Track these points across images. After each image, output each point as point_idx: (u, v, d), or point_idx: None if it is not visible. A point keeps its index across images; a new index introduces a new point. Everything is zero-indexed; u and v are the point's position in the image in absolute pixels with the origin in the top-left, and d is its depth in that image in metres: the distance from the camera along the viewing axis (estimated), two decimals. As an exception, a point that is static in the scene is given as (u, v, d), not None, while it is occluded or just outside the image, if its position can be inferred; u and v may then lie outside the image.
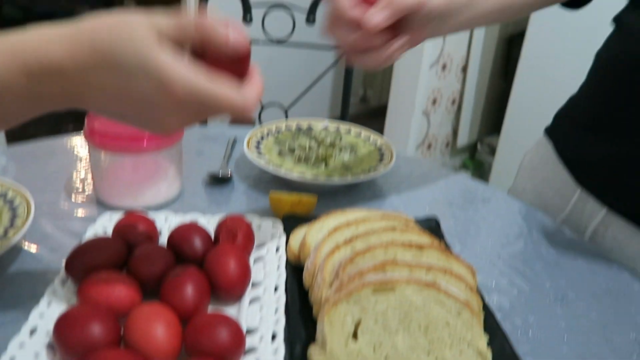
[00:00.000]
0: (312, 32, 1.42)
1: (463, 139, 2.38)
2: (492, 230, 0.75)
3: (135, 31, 0.36)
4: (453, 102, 2.27)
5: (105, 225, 0.63)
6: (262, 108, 1.51)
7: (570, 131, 0.79)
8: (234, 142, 0.94)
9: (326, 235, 0.56)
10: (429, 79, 2.07)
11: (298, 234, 0.62)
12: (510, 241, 0.72)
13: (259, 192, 0.79)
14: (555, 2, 0.70)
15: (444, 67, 2.10)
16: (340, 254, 0.52)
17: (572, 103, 0.82)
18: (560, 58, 1.79)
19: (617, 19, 0.75)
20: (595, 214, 0.74)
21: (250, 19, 1.33)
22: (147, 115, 0.39)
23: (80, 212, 0.70)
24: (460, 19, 0.60)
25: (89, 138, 0.68)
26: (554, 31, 1.80)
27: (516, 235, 0.74)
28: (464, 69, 2.21)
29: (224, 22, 0.37)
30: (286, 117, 1.51)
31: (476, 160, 2.48)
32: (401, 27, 0.56)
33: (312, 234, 0.59)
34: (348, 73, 1.45)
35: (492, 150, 2.41)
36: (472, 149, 2.51)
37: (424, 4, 0.54)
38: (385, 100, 3.56)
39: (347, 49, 0.57)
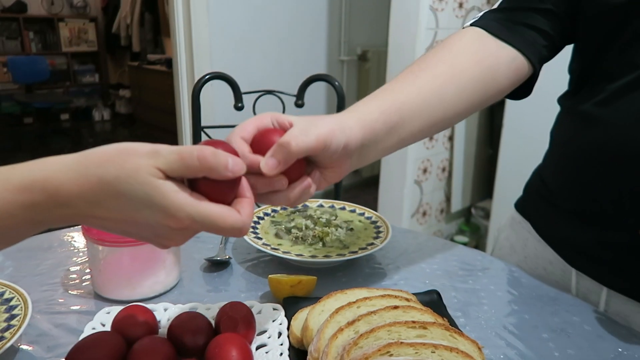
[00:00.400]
0: (301, 114, 1.48)
1: (457, 205, 2.41)
2: (495, 300, 0.74)
3: (140, 165, 0.38)
4: (443, 169, 2.32)
5: (103, 320, 0.62)
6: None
7: (550, 213, 0.76)
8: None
9: (328, 318, 0.55)
10: (418, 149, 2.12)
11: (300, 317, 0.61)
12: (515, 310, 0.71)
13: (258, 275, 0.78)
14: (488, 104, 0.67)
15: (430, 137, 2.17)
16: (344, 337, 0.51)
17: (542, 179, 0.80)
18: (541, 118, 1.86)
19: (562, 102, 0.74)
20: (599, 295, 0.71)
21: (242, 106, 1.39)
22: (151, 235, 0.41)
23: (78, 307, 0.69)
24: (385, 145, 0.57)
25: (86, 232, 0.68)
26: (532, 96, 1.89)
27: (520, 304, 0.73)
28: (451, 138, 2.28)
29: (222, 150, 0.40)
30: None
31: (472, 224, 2.49)
32: (315, 163, 0.52)
33: (314, 317, 0.58)
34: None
35: (487, 214, 2.42)
36: (466, 213, 2.53)
37: (326, 144, 0.48)
38: (377, 171, 3.63)
39: (253, 192, 0.48)
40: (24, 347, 0.60)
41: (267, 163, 0.46)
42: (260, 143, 0.49)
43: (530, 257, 0.82)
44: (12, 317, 0.59)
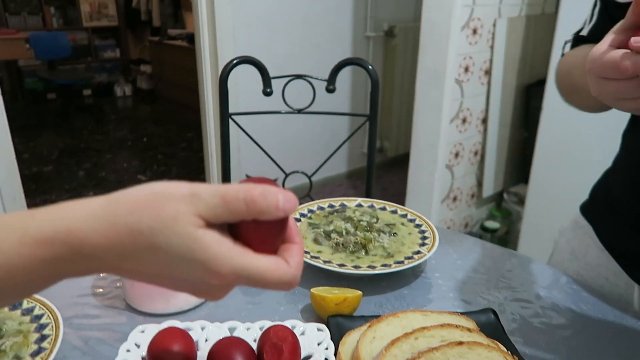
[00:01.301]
0: (332, 99, 1.41)
1: (489, 190, 2.33)
2: (553, 318, 0.68)
3: (178, 214, 0.32)
4: (475, 153, 2.23)
5: (137, 340, 0.58)
6: (286, 176, 1.48)
7: (615, 223, 0.72)
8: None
9: (383, 351, 0.50)
10: (450, 133, 2.04)
11: (348, 342, 0.57)
12: (575, 332, 0.65)
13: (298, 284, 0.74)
14: None
15: (464, 120, 2.08)
16: (404, 377, 0.46)
17: (609, 186, 0.75)
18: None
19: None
20: None
21: (271, 91, 1.32)
22: (188, 289, 0.36)
23: (110, 321, 0.65)
24: None
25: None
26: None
27: (581, 325, 0.67)
28: (484, 121, 2.18)
29: (271, 187, 0.34)
30: (310, 183, 1.47)
31: (503, 209, 2.41)
32: None
33: (365, 345, 0.53)
34: (372, 132, 1.41)
35: (520, 199, 2.34)
36: (498, 198, 2.45)
37: None
38: (402, 151, 3.55)
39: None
40: (56, 368, 0.56)
41: None
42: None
43: (592, 266, 0.76)
44: (43, 338, 0.56)
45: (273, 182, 0.38)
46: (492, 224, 2.32)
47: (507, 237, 2.39)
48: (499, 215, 2.37)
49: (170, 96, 5.39)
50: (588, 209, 0.79)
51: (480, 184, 2.33)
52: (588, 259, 0.77)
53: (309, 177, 1.47)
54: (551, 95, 1.89)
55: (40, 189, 3.11)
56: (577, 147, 1.84)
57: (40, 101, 5.19)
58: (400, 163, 3.27)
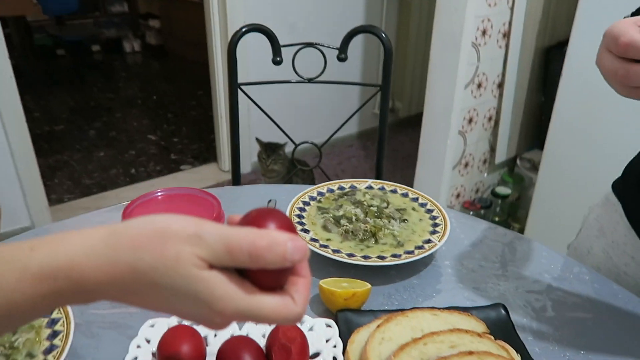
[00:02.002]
0: (343, 67, 1.37)
1: (501, 156, 2.29)
2: (566, 313, 0.68)
3: (180, 255, 0.31)
4: (490, 119, 2.17)
5: (147, 335, 0.59)
6: (295, 147, 1.46)
7: None
8: (274, 204, 0.89)
9: (392, 357, 0.50)
10: (465, 98, 1.98)
11: (356, 341, 0.57)
12: (589, 328, 0.65)
13: (306, 273, 0.73)
14: None
15: (479, 85, 2.01)
16: (411, 386, 0.46)
17: None
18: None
19: None
20: None
21: (281, 60, 1.28)
22: (192, 319, 0.35)
23: (119, 311, 0.66)
24: None
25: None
26: (600, 41, 1.69)
27: (595, 320, 0.66)
28: (500, 85, 2.11)
29: (279, 235, 0.32)
30: (320, 155, 1.46)
31: (516, 175, 2.38)
32: None
33: (373, 347, 0.53)
34: (384, 100, 1.38)
35: (533, 166, 2.30)
36: (510, 164, 2.41)
37: None
38: (414, 111, 3.48)
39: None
40: (69, 361, 0.57)
41: None
42: None
43: (618, 244, 0.75)
44: (55, 334, 0.56)
45: (283, 217, 0.36)
46: (503, 190, 2.29)
47: (518, 203, 2.37)
48: (511, 181, 2.34)
49: (180, 52, 5.29)
50: (619, 186, 0.77)
51: (493, 149, 2.29)
52: (615, 236, 0.76)
53: (319, 148, 1.45)
54: (573, 58, 1.81)
55: (52, 148, 3.13)
56: (597, 114, 1.79)
57: (50, 57, 5.13)
58: (412, 124, 3.21)
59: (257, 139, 2.19)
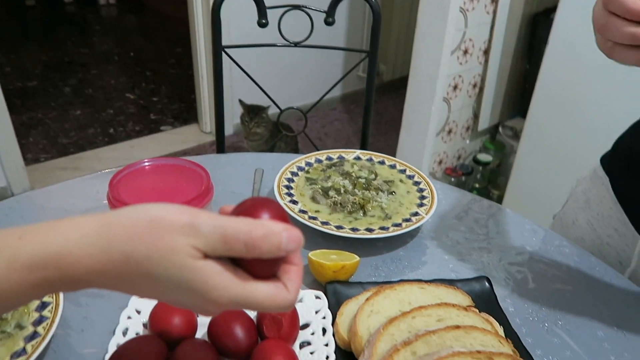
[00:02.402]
0: (328, 30, 1.34)
1: (484, 123, 2.30)
2: (545, 285, 0.70)
3: (176, 245, 0.31)
4: (474, 86, 2.17)
5: (137, 306, 0.59)
6: (281, 112, 1.44)
7: (632, 179, 0.71)
8: (261, 174, 0.89)
9: (381, 330, 0.51)
10: (450, 65, 1.97)
11: (345, 312, 0.58)
12: (567, 299, 0.67)
13: (294, 243, 0.74)
14: None
15: (465, 52, 2.00)
16: (400, 359, 0.48)
17: (633, 140, 0.74)
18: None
19: None
20: None
21: (266, 22, 1.25)
22: (186, 307, 0.35)
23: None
24: None
25: (114, 201, 0.63)
26: (589, 8, 1.68)
27: (572, 292, 0.69)
28: (486, 52, 2.10)
29: (275, 226, 0.32)
30: (305, 121, 1.44)
31: (497, 142, 2.40)
32: None
33: (362, 320, 0.55)
34: (371, 73, 1.36)
35: (515, 134, 2.33)
36: (492, 131, 2.43)
37: None
38: (399, 75, 3.45)
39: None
40: (58, 331, 0.57)
41: None
42: None
43: (603, 216, 0.77)
44: (44, 305, 0.56)
45: (277, 207, 0.36)
46: (484, 157, 2.32)
47: (498, 170, 2.41)
48: (493, 148, 2.37)
49: (157, 6, 5.10)
50: (608, 161, 0.78)
51: (476, 116, 2.30)
52: (601, 209, 0.78)
53: (304, 114, 1.43)
54: (560, 24, 1.80)
55: (25, 105, 3.02)
56: (582, 84, 1.80)
57: (20, 9, 4.89)
58: (396, 87, 3.19)
59: (240, 101, 2.15)
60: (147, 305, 0.58)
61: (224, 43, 1.29)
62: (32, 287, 0.31)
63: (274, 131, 2.16)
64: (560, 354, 0.59)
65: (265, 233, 0.32)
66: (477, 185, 2.36)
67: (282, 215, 0.35)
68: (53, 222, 0.33)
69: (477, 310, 0.56)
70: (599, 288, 0.70)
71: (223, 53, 1.29)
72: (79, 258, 0.31)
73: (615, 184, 0.75)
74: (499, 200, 2.20)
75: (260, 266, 0.33)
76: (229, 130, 2.75)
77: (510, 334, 0.57)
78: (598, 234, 0.78)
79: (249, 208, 0.35)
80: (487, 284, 0.65)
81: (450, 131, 2.22)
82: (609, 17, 0.47)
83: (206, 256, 0.32)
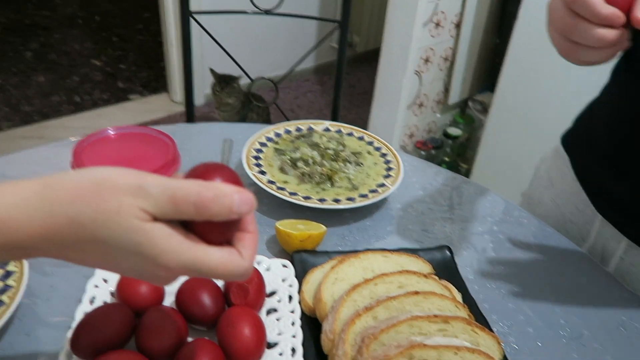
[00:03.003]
0: (300, 2, 1.32)
1: (455, 97, 2.33)
2: (506, 255, 0.73)
3: (122, 207, 0.30)
4: (446, 59, 2.19)
5: (104, 276, 0.59)
6: (252, 82, 1.43)
7: (591, 158, 0.73)
8: (230, 145, 0.89)
9: (344, 296, 0.53)
10: (422, 37, 1.97)
11: (311, 280, 0.60)
12: (525, 269, 0.71)
13: (263, 214, 0.75)
14: None
15: (437, 24, 2.00)
16: (362, 324, 0.50)
17: (592, 118, 0.76)
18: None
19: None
20: (618, 242, 0.71)
21: (237, -11, 1.22)
22: (136, 276, 0.34)
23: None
24: None
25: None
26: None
27: (531, 261, 0.72)
28: (458, 25, 2.11)
29: (225, 187, 0.32)
30: (276, 91, 1.43)
31: (467, 116, 2.44)
32: None
33: (327, 287, 0.56)
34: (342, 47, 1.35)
35: (484, 108, 2.37)
36: (462, 105, 2.46)
37: None
38: (372, 46, 3.44)
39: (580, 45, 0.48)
40: (23, 300, 0.57)
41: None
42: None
43: (566, 194, 0.79)
44: (8, 274, 0.56)
45: (229, 171, 0.35)
46: (454, 131, 2.36)
47: (467, 144, 2.45)
48: (462, 122, 2.41)
49: (124, -32, 4.88)
50: (568, 140, 0.80)
51: (447, 90, 2.32)
52: (563, 186, 0.80)
53: (275, 85, 1.43)
54: (529, 1, 1.82)
55: (-16, 71, 2.90)
56: (550, 59, 1.83)
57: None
58: (369, 59, 3.18)
59: (211, 70, 2.11)
60: (114, 274, 0.58)
61: (194, 9, 1.26)
62: None
63: (245, 102, 2.13)
64: (514, 318, 0.62)
65: (216, 194, 0.31)
66: (446, 159, 2.40)
67: (234, 180, 0.35)
68: None
69: (437, 278, 0.58)
70: (552, 256, 0.73)
71: (192, 20, 1.26)
72: (20, 223, 0.30)
73: (575, 163, 0.77)
74: (467, 174, 2.25)
75: (213, 231, 0.33)
76: (200, 100, 2.71)
77: (468, 300, 0.60)
78: (561, 211, 0.80)
79: (201, 172, 0.35)
80: (448, 252, 0.68)
81: (421, 104, 2.24)
82: (576, 19, 0.46)
83: (155, 219, 0.31)
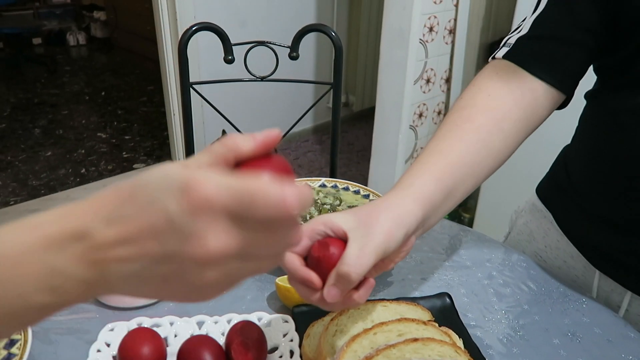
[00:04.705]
0: (296, 64, 1.39)
1: (450, 148, 2.38)
2: (504, 297, 0.73)
3: (166, 169, 0.30)
4: (439, 113, 2.26)
5: (107, 339, 0.60)
6: (251, 145, 1.48)
7: (574, 211, 0.73)
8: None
9: (344, 347, 0.53)
10: (414, 94, 2.05)
11: (312, 334, 0.60)
12: (525, 310, 0.71)
13: (263, 271, 0.76)
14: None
15: (428, 81, 2.09)
16: (363, 374, 0.50)
17: (567, 171, 0.75)
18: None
19: (591, 99, 0.69)
20: (621, 295, 0.70)
21: (233, 59, 1.29)
22: (175, 286, 0.31)
23: (77, 316, 0.66)
24: (443, 210, 0.57)
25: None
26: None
27: (530, 303, 0.72)
28: (448, 80, 2.20)
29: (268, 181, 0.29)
30: (275, 150, 1.47)
31: (464, 166, 2.48)
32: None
33: (327, 340, 0.57)
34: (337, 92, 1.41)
35: (480, 157, 2.40)
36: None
37: (385, 251, 0.48)
38: (367, 104, 3.55)
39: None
40: (27, 370, 0.58)
41: (329, 293, 0.47)
42: (317, 260, 0.49)
43: (551, 248, 0.79)
44: (12, 342, 0.57)
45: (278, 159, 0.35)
46: (453, 181, 2.39)
47: (467, 193, 2.47)
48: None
49: (128, 45, 5.14)
50: (545, 193, 0.80)
51: (443, 142, 2.37)
52: (547, 241, 0.79)
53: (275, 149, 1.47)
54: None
55: (-6, 148, 2.99)
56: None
57: (-14, 51, 4.87)
58: (366, 117, 3.27)
59: (223, 131, 2.17)
60: (116, 338, 0.59)
61: (194, 79, 1.32)
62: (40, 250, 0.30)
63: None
64: (519, 363, 0.62)
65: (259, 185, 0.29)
66: (447, 209, 2.41)
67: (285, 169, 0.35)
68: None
69: (437, 325, 0.58)
70: (553, 298, 0.73)
71: (192, 90, 1.33)
72: (76, 202, 0.32)
73: (557, 217, 0.77)
74: (470, 223, 2.25)
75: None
76: (202, 165, 2.77)
77: (470, 345, 0.59)
78: (548, 265, 0.80)
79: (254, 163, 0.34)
80: (447, 299, 0.68)
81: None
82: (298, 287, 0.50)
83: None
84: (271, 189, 0.28)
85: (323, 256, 0.48)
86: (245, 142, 0.33)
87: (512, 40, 0.64)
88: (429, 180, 0.54)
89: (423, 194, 0.53)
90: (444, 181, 0.55)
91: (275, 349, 0.60)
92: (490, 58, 0.67)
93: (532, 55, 0.62)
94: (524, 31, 0.64)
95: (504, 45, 0.65)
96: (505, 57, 0.64)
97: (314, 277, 0.48)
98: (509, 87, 0.62)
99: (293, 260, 0.49)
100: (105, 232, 0.29)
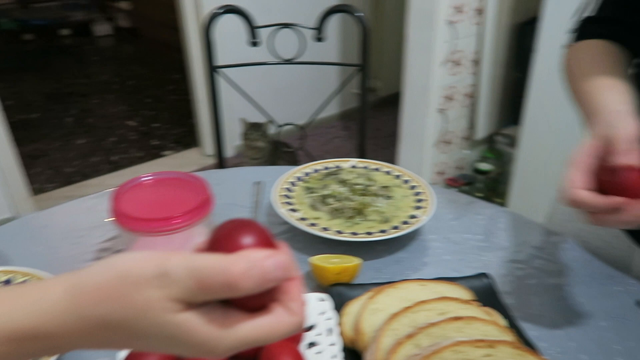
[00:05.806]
0: (321, 46, 1.37)
1: (481, 132, 2.33)
2: (547, 280, 0.71)
3: (150, 301, 0.28)
4: (469, 96, 2.20)
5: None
6: (280, 128, 1.47)
7: None
8: (261, 187, 0.90)
9: (384, 325, 0.52)
10: (442, 76, 2.00)
11: (350, 312, 0.59)
12: (569, 293, 0.68)
13: (298, 250, 0.75)
14: None
15: (456, 63, 2.03)
16: (405, 351, 0.49)
17: None
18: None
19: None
20: None
21: (257, 42, 1.28)
22: (187, 355, 0.31)
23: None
24: None
25: (119, 221, 0.65)
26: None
27: (574, 285, 0.70)
28: (477, 62, 2.14)
29: (255, 255, 0.29)
30: (304, 132, 1.47)
31: (495, 150, 2.42)
32: None
33: (366, 318, 0.56)
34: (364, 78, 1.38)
35: (512, 141, 2.35)
36: (490, 140, 2.45)
37: None
38: (393, 90, 3.50)
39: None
40: None
41: None
42: (621, 183, 0.50)
43: (593, 227, 0.76)
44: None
45: (257, 229, 0.32)
46: (484, 166, 2.34)
47: (499, 178, 2.42)
48: (492, 157, 2.39)
49: (153, 35, 5.18)
50: None
51: (472, 126, 2.33)
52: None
53: (303, 128, 1.46)
54: (544, 34, 1.84)
55: (29, 137, 3.06)
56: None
57: (17, 42, 4.98)
58: (393, 102, 3.22)
59: (242, 120, 2.18)
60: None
61: (218, 63, 1.32)
62: (7, 355, 0.29)
63: (273, 148, 2.18)
64: (565, 344, 0.60)
65: (246, 267, 0.28)
66: (479, 195, 2.37)
67: (264, 238, 0.32)
68: (17, 289, 0.31)
69: (480, 304, 0.57)
70: (595, 281, 0.70)
71: (217, 73, 1.32)
72: (54, 327, 0.29)
73: None
74: (500, 207, 2.21)
75: (253, 300, 0.30)
76: (230, 152, 2.78)
77: (513, 326, 0.58)
78: (590, 246, 0.77)
79: (225, 236, 0.32)
80: (487, 280, 0.66)
81: (448, 142, 2.24)
82: (595, 215, 0.51)
83: (189, 306, 0.29)
84: (283, 328, 0.31)
85: (629, 175, 0.49)
86: (258, 290, 0.30)
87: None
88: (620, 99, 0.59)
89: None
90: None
91: (312, 326, 0.59)
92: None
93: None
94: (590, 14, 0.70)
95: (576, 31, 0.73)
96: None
97: (620, 200, 0.49)
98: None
99: (587, 195, 0.50)
100: (96, 346, 0.31)
